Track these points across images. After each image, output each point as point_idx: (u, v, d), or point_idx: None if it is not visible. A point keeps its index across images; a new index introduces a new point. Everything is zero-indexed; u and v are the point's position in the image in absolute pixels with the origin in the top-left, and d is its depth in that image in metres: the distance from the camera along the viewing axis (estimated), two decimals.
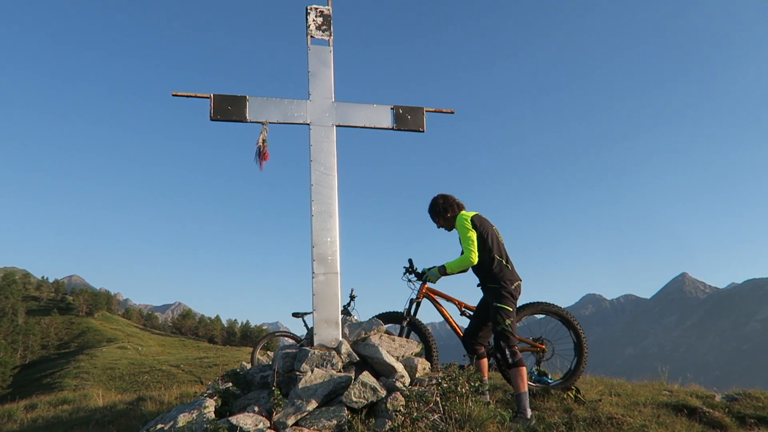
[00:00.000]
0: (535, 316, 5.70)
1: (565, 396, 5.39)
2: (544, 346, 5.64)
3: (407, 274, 5.74)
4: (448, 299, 5.70)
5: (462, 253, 5.22)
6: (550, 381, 5.61)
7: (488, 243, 5.17)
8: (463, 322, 5.65)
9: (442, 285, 5.65)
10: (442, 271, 5.30)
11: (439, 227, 5.55)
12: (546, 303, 5.63)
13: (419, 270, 5.67)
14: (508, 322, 4.94)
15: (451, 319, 5.69)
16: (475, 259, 5.10)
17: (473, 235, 5.14)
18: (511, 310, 5.01)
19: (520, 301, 5.30)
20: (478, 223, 5.25)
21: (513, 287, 5.11)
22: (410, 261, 5.80)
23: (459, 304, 5.68)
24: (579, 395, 5.41)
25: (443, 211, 5.41)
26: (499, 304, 5.00)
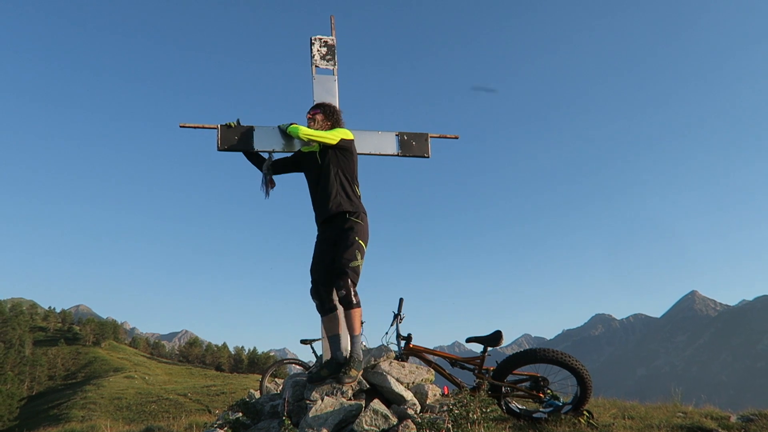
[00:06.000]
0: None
1: (577, 420, 5.31)
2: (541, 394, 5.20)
3: (393, 325, 5.30)
4: (437, 354, 5.22)
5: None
6: (560, 404, 5.52)
7: (356, 171, 4.79)
8: (458, 373, 5.23)
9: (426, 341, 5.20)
10: (293, 130, 4.73)
11: (308, 121, 4.88)
12: (542, 350, 5.00)
13: (400, 326, 5.23)
14: (362, 262, 4.53)
15: (444, 372, 5.20)
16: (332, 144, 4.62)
17: (334, 140, 4.62)
18: (365, 249, 4.59)
19: (513, 350, 4.82)
20: (354, 148, 4.79)
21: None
22: (400, 302, 5.38)
23: (449, 357, 5.25)
24: (592, 420, 5.33)
25: (332, 116, 4.87)
26: (361, 241, 4.55)
